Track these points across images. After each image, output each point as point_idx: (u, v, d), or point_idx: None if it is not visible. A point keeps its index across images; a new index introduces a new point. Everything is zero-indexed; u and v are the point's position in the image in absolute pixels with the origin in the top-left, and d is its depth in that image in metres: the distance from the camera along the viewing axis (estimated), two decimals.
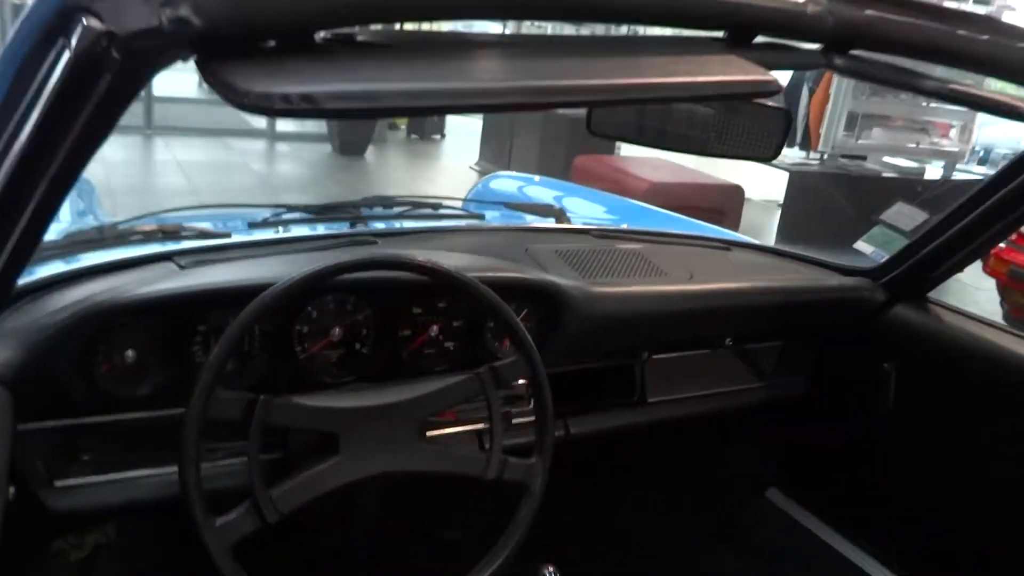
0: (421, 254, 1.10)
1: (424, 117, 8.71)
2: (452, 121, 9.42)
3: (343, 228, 1.45)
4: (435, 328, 1.30)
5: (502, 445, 1.15)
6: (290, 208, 1.42)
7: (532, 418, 1.39)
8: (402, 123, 9.34)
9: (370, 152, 8.20)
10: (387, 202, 1.57)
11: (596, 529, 2.01)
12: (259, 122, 8.08)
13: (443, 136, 9.53)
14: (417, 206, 1.57)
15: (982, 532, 1.60)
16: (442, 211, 1.60)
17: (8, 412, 0.94)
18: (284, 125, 8.19)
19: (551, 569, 1.32)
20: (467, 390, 1.14)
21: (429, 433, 1.25)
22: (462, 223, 1.60)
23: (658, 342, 1.57)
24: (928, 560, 1.68)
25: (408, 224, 1.55)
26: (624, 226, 1.71)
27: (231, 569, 0.97)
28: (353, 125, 7.42)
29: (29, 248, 0.63)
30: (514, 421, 1.33)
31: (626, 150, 6.42)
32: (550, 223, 1.71)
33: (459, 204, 1.65)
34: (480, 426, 1.37)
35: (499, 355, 1.35)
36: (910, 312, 1.67)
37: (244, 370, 1.18)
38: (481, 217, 1.61)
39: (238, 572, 0.98)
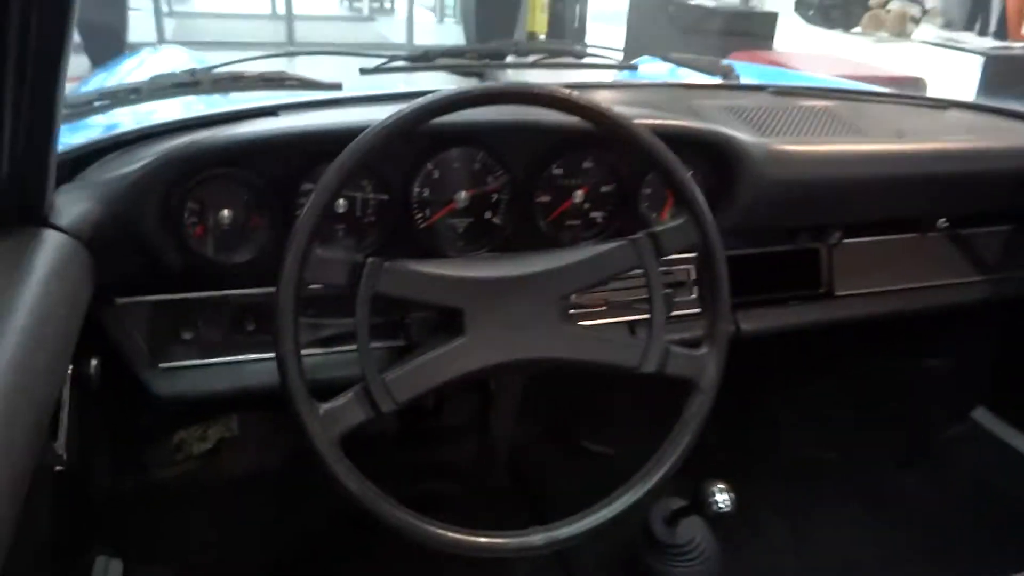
0: (566, 90, 0.87)
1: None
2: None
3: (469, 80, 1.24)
4: (579, 193, 1.08)
5: (664, 332, 0.93)
6: (404, 57, 1.22)
7: (696, 309, 1.16)
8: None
9: None
10: (520, 48, 1.33)
11: (767, 445, 1.76)
12: (277, 35, 7.64)
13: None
14: (556, 53, 1.32)
15: None
16: (586, 60, 1.35)
17: (87, 275, 0.81)
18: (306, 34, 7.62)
19: (720, 486, 1.10)
20: (621, 260, 0.91)
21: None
22: (610, 75, 1.34)
23: (853, 220, 1.27)
24: None
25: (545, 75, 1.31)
26: (808, 83, 1.39)
27: (340, 464, 0.81)
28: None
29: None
30: (674, 313, 1.10)
31: (781, 45, 5.80)
32: (717, 81, 1.42)
33: (606, 53, 1.39)
34: (633, 317, 1.15)
35: (652, 224, 1.12)
36: None
37: (355, 240, 1.01)
38: (633, 68, 1.35)
39: (348, 469, 0.82)
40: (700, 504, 1.13)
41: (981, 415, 1.75)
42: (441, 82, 1.22)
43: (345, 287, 0.82)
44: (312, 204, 0.79)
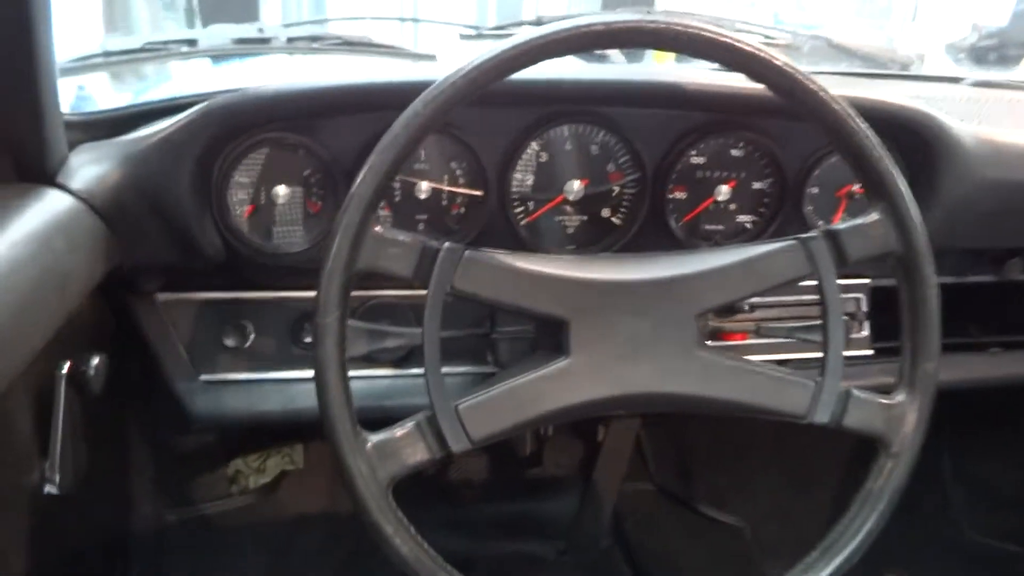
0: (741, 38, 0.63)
1: None
2: None
3: None
4: (724, 189, 0.84)
5: (843, 369, 0.67)
6: (511, 24, 1.02)
7: (868, 351, 0.89)
8: None
9: None
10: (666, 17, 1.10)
11: (930, 528, 1.44)
12: None
13: None
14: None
15: None
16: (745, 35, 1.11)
17: (99, 249, 0.64)
18: None
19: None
20: (786, 266, 0.67)
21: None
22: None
23: None
24: None
25: None
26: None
27: (387, 517, 0.59)
28: None
29: None
30: (852, 336, 0.84)
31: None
32: (900, 70, 1.15)
33: (764, 31, 1.15)
34: (793, 355, 0.89)
35: (811, 223, 0.87)
36: None
37: (439, 234, 0.81)
38: (788, 47, 1.10)
39: (399, 524, 0.60)
40: None
41: None
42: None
43: (412, 279, 0.61)
44: (371, 166, 0.59)
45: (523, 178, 0.81)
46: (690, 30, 0.60)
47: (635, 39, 0.61)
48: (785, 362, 0.89)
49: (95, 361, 0.68)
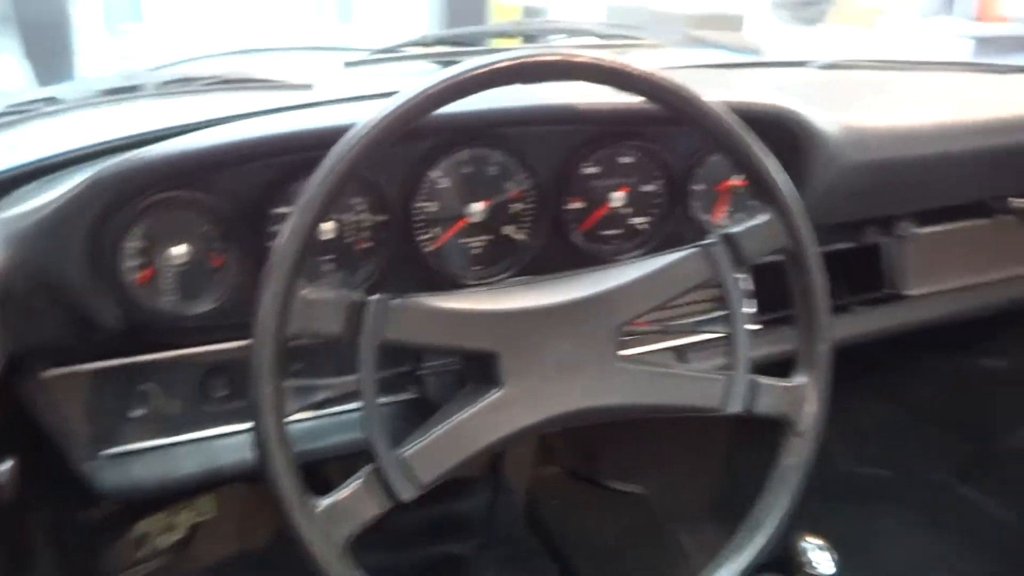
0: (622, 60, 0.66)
1: None
2: None
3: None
4: (619, 196, 0.87)
5: (749, 360, 0.72)
6: (395, 47, 1.01)
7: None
8: None
9: None
10: (512, 31, 1.13)
11: (821, 458, 1.57)
12: None
13: None
14: (576, 33, 1.12)
15: None
16: (612, 41, 1.15)
17: None
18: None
19: (819, 543, 0.90)
20: (691, 273, 0.71)
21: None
22: (634, 57, 1.14)
23: (928, 206, 1.08)
24: None
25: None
26: (855, 56, 1.21)
27: None
28: None
29: None
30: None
31: None
32: (751, 59, 1.23)
33: (629, 33, 1.19)
34: (687, 340, 0.94)
35: (712, 229, 0.92)
36: None
37: (345, 274, 0.80)
38: (653, 47, 1.15)
39: None
40: (790, 565, 0.92)
41: None
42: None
43: (342, 336, 0.61)
44: (293, 228, 0.58)
45: (426, 206, 0.81)
46: (597, 62, 0.63)
47: (543, 75, 0.63)
48: (680, 349, 0.95)
49: (5, 466, 0.63)
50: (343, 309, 0.60)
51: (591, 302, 0.69)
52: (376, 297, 0.61)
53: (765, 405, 0.72)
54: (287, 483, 0.58)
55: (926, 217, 1.13)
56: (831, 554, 0.88)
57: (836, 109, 0.93)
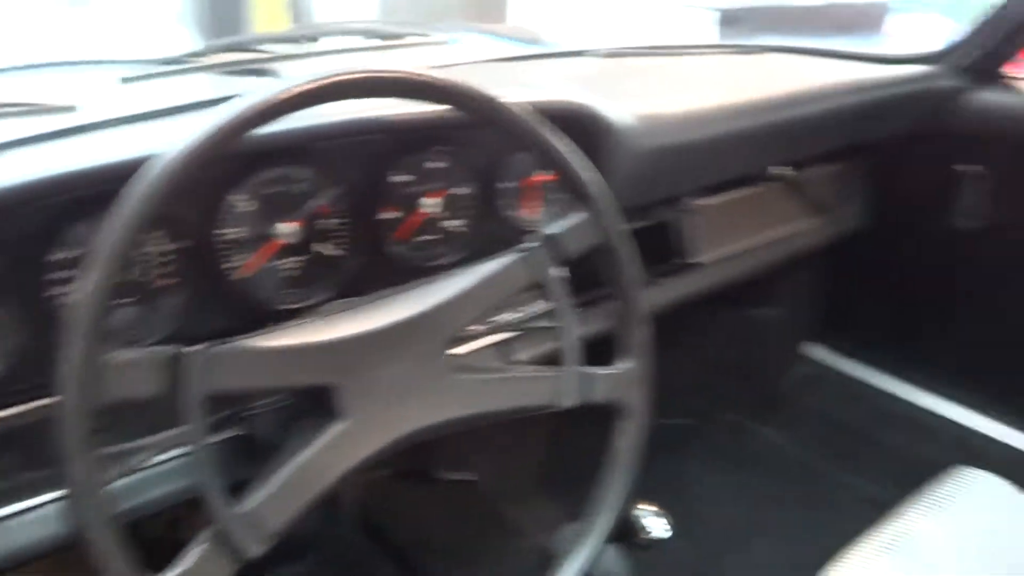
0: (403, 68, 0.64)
1: None
2: None
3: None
4: (431, 202, 0.86)
5: (578, 354, 0.75)
6: (172, 59, 0.92)
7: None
8: None
9: None
10: (310, 32, 1.08)
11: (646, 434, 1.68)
12: None
13: None
14: (361, 35, 1.08)
15: None
16: (397, 41, 1.12)
17: None
18: None
19: (652, 509, 0.96)
20: (515, 278, 0.72)
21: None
22: (422, 55, 1.13)
23: (711, 182, 1.17)
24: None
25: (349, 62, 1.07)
26: (629, 43, 1.28)
27: None
28: None
29: None
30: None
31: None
32: (535, 49, 1.25)
33: (413, 30, 1.17)
34: (510, 335, 0.96)
35: (524, 227, 0.93)
36: (993, 96, 1.33)
37: (148, 314, 0.72)
38: (444, 44, 1.14)
39: None
40: (626, 532, 0.98)
41: (816, 352, 1.78)
42: (221, 88, 0.93)
43: (162, 398, 0.55)
44: (93, 286, 0.51)
45: (229, 232, 0.75)
46: (410, 77, 0.61)
47: (361, 91, 0.60)
48: (504, 343, 0.96)
49: None
50: (159, 368, 0.54)
51: (420, 320, 0.68)
52: (195, 349, 0.56)
53: (598, 394, 0.75)
54: (119, 566, 0.52)
55: (705, 190, 1.22)
56: (666, 519, 0.94)
57: (626, 99, 0.98)
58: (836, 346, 1.74)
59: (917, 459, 1.21)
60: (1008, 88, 1.33)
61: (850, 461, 1.57)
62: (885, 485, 1.17)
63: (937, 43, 1.35)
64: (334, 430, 0.63)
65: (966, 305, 1.48)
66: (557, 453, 1.52)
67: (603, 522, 0.77)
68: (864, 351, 1.69)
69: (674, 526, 0.93)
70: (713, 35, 3.31)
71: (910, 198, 1.48)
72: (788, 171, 1.28)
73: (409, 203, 0.85)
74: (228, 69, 0.98)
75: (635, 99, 0.98)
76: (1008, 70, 1.35)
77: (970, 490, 1.11)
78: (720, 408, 1.74)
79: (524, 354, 0.93)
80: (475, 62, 1.08)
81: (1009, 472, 1.12)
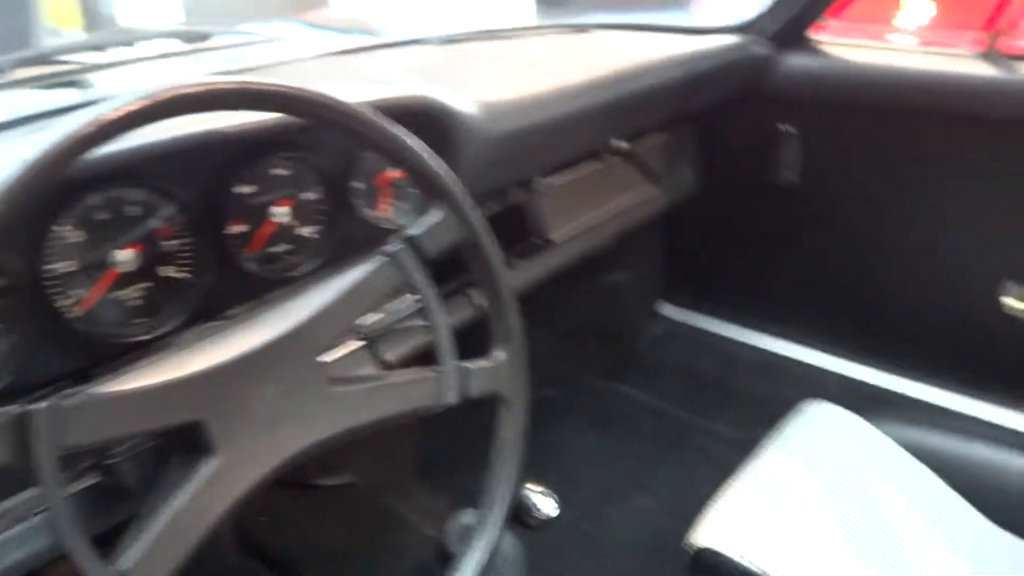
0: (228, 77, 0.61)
1: None
2: None
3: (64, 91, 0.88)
4: (281, 211, 0.83)
5: (452, 351, 0.75)
6: None
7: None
8: None
9: None
10: (99, 43, 0.99)
11: None
12: None
13: None
14: (183, 38, 1.01)
15: (914, 300, 1.48)
16: (217, 42, 1.06)
17: None
18: None
19: (539, 489, 0.97)
20: (383, 282, 0.70)
21: None
22: (248, 51, 1.07)
23: (550, 161, 1.20)
24: (859, 338, 1.56)
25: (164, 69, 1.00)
26: (462, 29, 1.27)
27: None
28: None
29: None
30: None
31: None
32: (367, 40, 1.22)
33: (224, 29, 1.11)
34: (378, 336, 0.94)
35: (382, 225, 0.92)
36: (799, 60, 1.44)
37: None
38: (272, 40, 1.09)
39: None
40: (516, 515, 0.99)
41: (668, 310, 1.87)
42: (35, 104, 0.84)
43: (9, 463, 0.50)
44: None
45: (59, 266, 0.69)
46: (236, 88, 0.57)
47: (210, 104, 0.56)
48: (369, 343, 0.94)
49: None
50: (1, 432, 0.49)
51: (288, 339, 0.65)
52: (41, 406, 0.51)
53: (477, 388, 0.76)
54: None
55: (551, 170, 1.25)
56: (552, 498, 0.96)
57: (468, 87, 0.98)
58: (685, 302, 1.84)
59: (770, 398, 1.31)
60: (813, 51, 1.44)
61: (712, 408, 1.67)
62: (745, 426, 1.26)
63: (747, 12, 1.44)
64: (207, 468, 0.59)
65: (794, 252, 1.60)
66: (432, 443, 1.53)
67: (498, 512, 0.78)
68: (711, 304, 1.80)
69: (559, 501, 0.96)
70: (532, 14, 3.37)
71: (737, 159, 1.58)
72: (625, 144, 1.33)
73: (257, 214, 0.81)
74: (38, 84, 0.89)
75: (476, 87, 0.98)
76: (813, 33, 1.47)
77: (818, 421, 1.22)
78: (584, 375, 1.80)
79: (393, 354, 0.92)
80: (307, 59, 1.04)
81: (848, 401, 1.24)
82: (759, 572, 0.95)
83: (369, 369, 0.86)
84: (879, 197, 1.46)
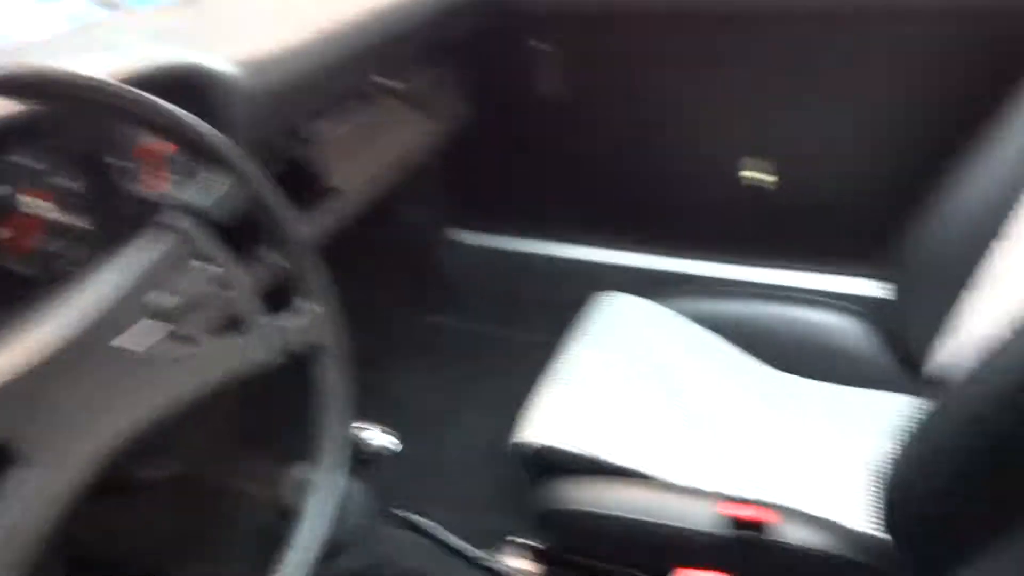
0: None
1: None
2: None
3: None
4: (46, 206, 0.77)
5: (261, 310, 0.75)
6: None
7: None
8: None
9: None
10: None
11: None
12: None
13: None
14: None
15: (676, 188, 1.64)
16: None
17: None
18: None
19: (367, 427, 1.00)
20: (177, 256, 0.69)
21: None
22: None
23: (322, 109, 1.19)
24: (635, 230, 1.71)
25: None
26: None
27: None
28: None
29: None
30: None
31: None
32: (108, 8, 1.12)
33: None
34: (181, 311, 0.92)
35: (162, 202, 0.88)
36: None
37: None
38: None
39: None
40: (357, 457, 1.03)
41: (463, 236, 1.94)
42: None
43: None
44: None
45: None
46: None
47: None
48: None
49: None
50: None
51: (85, 332, 0.63)
52: None
53: (294, 343, 0.77)
54: None
55: (325, 117, 1.24)
56: (392, 434, 1.00)
57: (222, 47, 0.94)
58: (477, 226, 1.91)
59: (568, 299, 1.41)
60: None
61: (517, 319, 1.77)
62: (550, 329, 1.36)
63: None
64: (26, 482, 0.57)
65: (566, 161, 1.71)
66: (251, 410, 1.51)
67: (335, 457, 0.80)
68: (500, 223, 1.88)
69: (398, 436, 1.00)
70: None
71: (501, 81, 1.64)
72: (392, 82, 1.34)
73: (19, 214, 0.75)
74: None
75: (230, 45, 0.95)
76: None
77: (612, 310, 1.34)
78: (395, 313, 1.83)
79: (198, 328, 0.90)
80: (41, 39, 0.95)
81: (635, 288, 1.37)
82: (588, 455, 1.05)
83: (176, 347, 0.84)
84: (634, 98, 1.58)
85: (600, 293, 1.39)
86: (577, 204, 1.75)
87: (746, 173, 1.54)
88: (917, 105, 1.40)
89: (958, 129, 1.15)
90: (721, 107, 1.52)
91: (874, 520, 0.82)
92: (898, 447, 0.79)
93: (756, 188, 1.54)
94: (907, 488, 0.78)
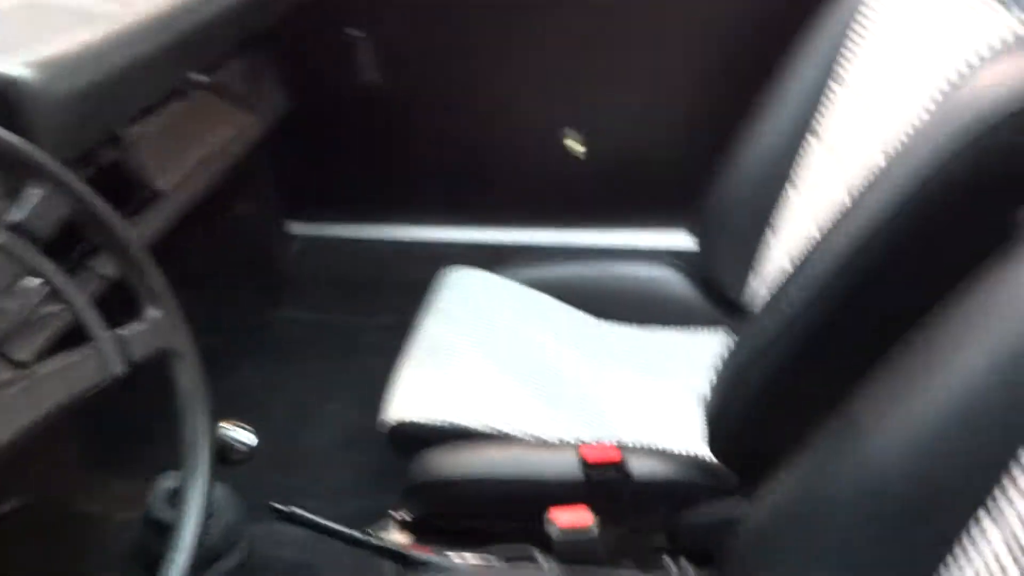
0: None
1: None
2: None
3: None
4: None
5: (100, 323, 0.73)
6: None
7: None
8: None
9: None
10: None
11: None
12: None
13: None
14: None
15: (506, 162, 1.70)
16: None
17: None
18: None
19: (233, 426, 0.98)
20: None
21: None
22: None
23: (133, 108, 1.14)
24: (471, 207, 1.76)
25: None
26: None
27: None
28: None
29: None
30: None
31: None
32: None
33: None
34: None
35: None
36: None
37: None
38: None
39: None
40: (220, 457, 1.01)
41: (302, 228, 1.92)
42: None
43: None
44: None
45: None
46: None
47: None
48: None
49: None
50: None
51: None
52: None
53: (140, 351, 0.75)
54: None
55: (138, 118, 1.19)
56: (248, 430, 0.99)
57: (16, 51, 0.89)
58: (313, 216, 1.89)
59: (413, 280, 1.44)
60: None
61: (365, 305, 1.78)
62: (400, 310, 1.39)
63: None
64: None
65: (396, 145, 1.73)
66: (97, 429, 1.44)
67: (203, 461, 0.80)
68: (336, 212, 1.87)
69: (255, 432, 0.99)
70: None
71: (320, 69, 1.64)
72: (205, 77, 1.30)
73: None
74: None
75: (23, 48, 0.90)
76: None
77: (457, 285, 1.39)
78: (241, 312, 1.79)
79: (29, 351, 0.86)
80: None
81: (476, 262, 1.43)
82: (449, 424, 1.10)
83: (6, 373, 0.80)
84: (452, 80, 1.63)
85: (444, 269, 1.43)
86: (410, 186, 1.78)
87: (568, 143, 1.63)
88: (707, 72, 1.55)
89: (744, 90, 1.28)
90: (533, 84, 1.60)
91: (705, 444, 0.93)
92: (714, 376, 0.89)
93: (575, 159, 1.64)
94: (722, 410, 0.89)
